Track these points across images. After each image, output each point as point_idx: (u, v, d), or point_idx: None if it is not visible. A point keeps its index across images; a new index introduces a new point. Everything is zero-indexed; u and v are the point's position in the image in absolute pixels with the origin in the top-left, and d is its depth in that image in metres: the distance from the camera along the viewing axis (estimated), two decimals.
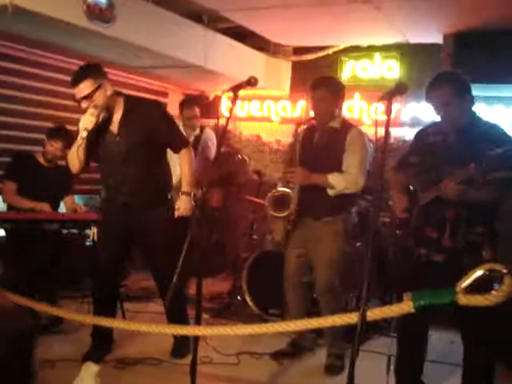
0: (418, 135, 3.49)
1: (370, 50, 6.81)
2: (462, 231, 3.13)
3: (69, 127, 5.57)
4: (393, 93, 2.61)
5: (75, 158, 3.86)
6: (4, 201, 4.98)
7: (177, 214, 4.11)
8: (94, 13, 4.69)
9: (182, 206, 4.10)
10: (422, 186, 3.28)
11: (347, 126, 4.18)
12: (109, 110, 3.87)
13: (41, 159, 5.08)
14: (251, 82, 3.15)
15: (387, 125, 2.52)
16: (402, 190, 3.46)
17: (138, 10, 5.20)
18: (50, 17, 4.39)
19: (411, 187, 3.42)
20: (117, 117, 3.91)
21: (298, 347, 4.41)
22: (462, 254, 3.08)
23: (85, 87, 3.69)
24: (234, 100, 3.09)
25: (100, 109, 3.76)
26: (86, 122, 3.72)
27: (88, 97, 3.71)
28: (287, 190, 4.22)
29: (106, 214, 4.18)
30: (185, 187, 4.14)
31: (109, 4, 4.82)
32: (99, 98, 3.74)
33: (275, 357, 4.31)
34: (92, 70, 3.79)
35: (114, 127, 3.91)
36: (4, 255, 4.89)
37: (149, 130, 3.90)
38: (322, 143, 4.19)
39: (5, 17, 4.21)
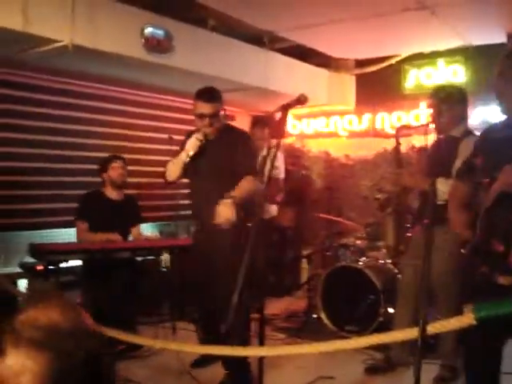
0: (483, 133, 2.98)
1: (434, 56, 6.69)
2: None
3: (128, 156, 5.84)
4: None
5: (176, 169, 4.13)
6: (78, 240, 5.09)
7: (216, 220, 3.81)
8: (152, 45, 4.85)
9: (220, 209, 3.78)
10: (487, 188, 2.66)
11: (464, 135, 4.01)
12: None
13: (109, 193, 5.16)
14: (301, 100, 3.14)
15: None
16: (462, 203, 2.92)
17: (195, 39, 5.33)
18: (110, 52, 4.58)
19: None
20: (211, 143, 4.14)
21: (391, 362, 4.35)
22: None
23: (214, 107, 4.00)
24: (283, 119, 3.09)
25: (209, 133, 4.04)
26: (193, 145, 4.02)
27: (212, 116, 3.99)
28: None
29: (196, 240, 4.36)
30: (233, 192, 3.89)
31: (166, 35, 4.97)
32: (216, 122, 4.04)
33: (369, 372, 4.32)
34: (220, 97, 4.13)
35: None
36: (83, 284, 5.06)
37: (230, 157, 4.05)
38: (439, 151, 4.15)
39: (66, 55, 4.40)
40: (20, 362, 0.89)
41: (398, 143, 4.49)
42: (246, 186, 3.97)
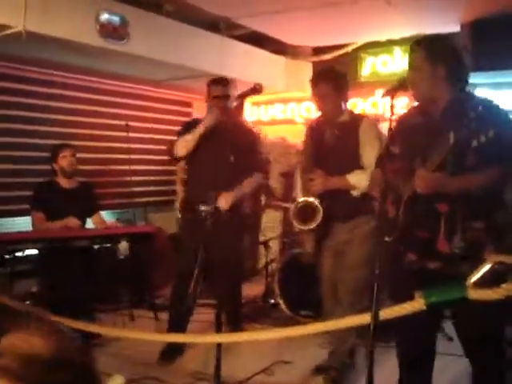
0: (398, 119, 2.90)
1: (390, 44, 6.75)
2: (460, 228, 2.54)
3: (85, 143, 5.98)
4: (395, 89, 2.59)
5: (184, 143, 4.35)
6: (35, 230, 5.01)
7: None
8: (107, 31, 4.77)
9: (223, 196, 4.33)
10: (405, 177, 2.71)
11: (357, 117, 3.92)
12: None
13: (62, 182, 5.08)
14: (256, 89, 3.18)
15: (391, 120, 2.52)
16: (383, 190, 2.73)
17: (152, 25, 5.27)
18: (64, 39, 4.49)
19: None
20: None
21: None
22: (462, 260, 2.49)
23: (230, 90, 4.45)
24: (240, 108, 3.13)
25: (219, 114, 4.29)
26: (209, 120, 4.26)
27: (224, 98, 4.35)
28: (311, 199, 3.89)
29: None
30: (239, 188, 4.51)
31: (122, 21, 4.91)
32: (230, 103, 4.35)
33: (318, 372, 4.08)
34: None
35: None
36: (39, 273, 5.01)
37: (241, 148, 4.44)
38: (334, 141, 3.89)
39: (20, 42, 4.30)
40: None
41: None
42: (252, 184, 4.61)
